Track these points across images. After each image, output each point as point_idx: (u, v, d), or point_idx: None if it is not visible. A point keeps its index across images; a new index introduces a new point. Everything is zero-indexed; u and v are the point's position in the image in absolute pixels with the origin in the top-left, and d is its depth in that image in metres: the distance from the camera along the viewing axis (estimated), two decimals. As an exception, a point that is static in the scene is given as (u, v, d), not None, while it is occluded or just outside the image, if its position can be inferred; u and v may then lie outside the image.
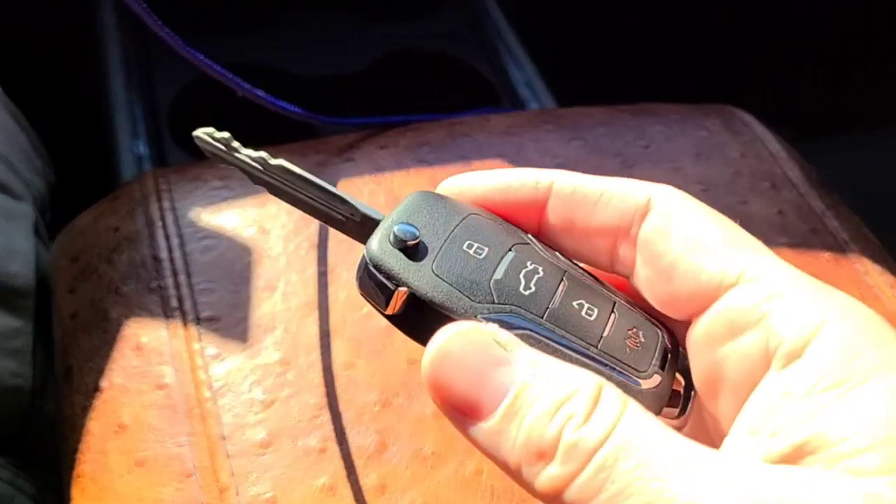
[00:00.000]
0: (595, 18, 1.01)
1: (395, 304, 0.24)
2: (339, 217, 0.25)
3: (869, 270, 0.49)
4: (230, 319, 0.42)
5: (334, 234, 0.46)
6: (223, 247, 0.45)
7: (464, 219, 0.25)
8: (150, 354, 0.41)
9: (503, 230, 0.25)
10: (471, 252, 0.24)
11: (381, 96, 0.89)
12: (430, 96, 0.88)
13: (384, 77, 0.89)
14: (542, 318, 0.24)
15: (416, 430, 0.40)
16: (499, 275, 0.24)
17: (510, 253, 0.25)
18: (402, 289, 0.23)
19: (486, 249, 0.24)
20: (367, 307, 0.43)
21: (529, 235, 0.26)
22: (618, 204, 0.26)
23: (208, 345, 0.41)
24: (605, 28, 1.02)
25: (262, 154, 0.24)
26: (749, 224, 0.50)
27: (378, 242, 0.24)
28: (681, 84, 1.00)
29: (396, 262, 0.24)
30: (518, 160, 0.52)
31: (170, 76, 0.85)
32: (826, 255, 0.49)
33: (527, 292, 0.24)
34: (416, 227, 0.24)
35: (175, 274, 0.44)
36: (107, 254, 0.46)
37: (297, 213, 0.47)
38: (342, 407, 0.40)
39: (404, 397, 0.40)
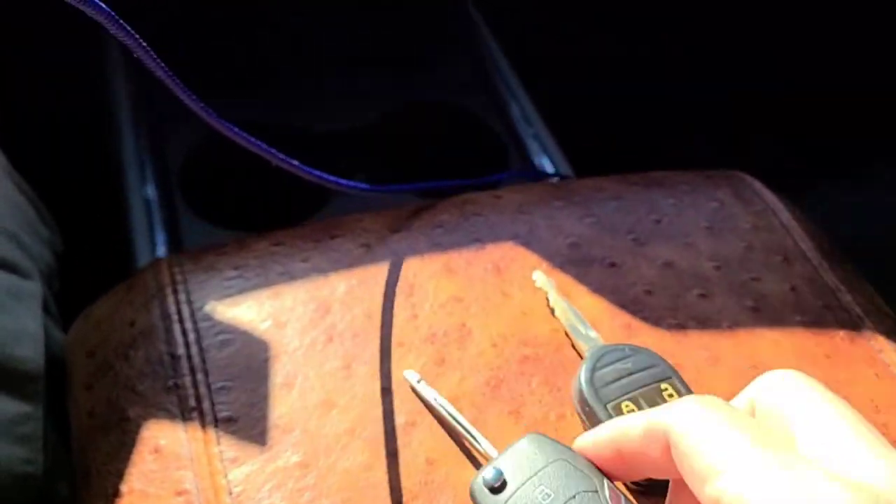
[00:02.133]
0: (600, 64, 1.02)
1: None
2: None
3: (884, 348, 0.49)
4: (248, 420, 0.42)
5: (352, 328, 0.46)
6: (240, 342, 0.45)
7: (550, 463, 0.33)
8: (168, 458, 0.41)
9: (580, 477, 0.32)
10: (539, 496, 0.32)
11: (390, 150, 0.89)
12: (438, 149, 0.89)
13: (392, 131, 0.89)
14: None
15: (436, 532, 0.40)
16: None
17: (573, 501, 0.31)
18: None
19: (552, 495, 0.32)
20: (383, 406, 0.43)
21: (607, 483, 0.32)
22: (654, 442, 0.30)
23: (227, 448, 0.41)
24: (610, 76, 1.03)
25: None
26: (763, 302, 0.50)
27: (478, 481, 0.34)
28: (690, 121, 1.00)
29: (482, 497, 0.33)
30: (531, 240, 0.52)
31: (179, 134, 0.86)
32: (841, 334, 0.49)
33: None
34: (504, 470, 0.33)
35: (193, 372, 0.44)
36: (123, 350, 0.46)
37: (313, 306, 0.47)
38: (362, 510, 0.40)
39: (423, 500, 0.40)
